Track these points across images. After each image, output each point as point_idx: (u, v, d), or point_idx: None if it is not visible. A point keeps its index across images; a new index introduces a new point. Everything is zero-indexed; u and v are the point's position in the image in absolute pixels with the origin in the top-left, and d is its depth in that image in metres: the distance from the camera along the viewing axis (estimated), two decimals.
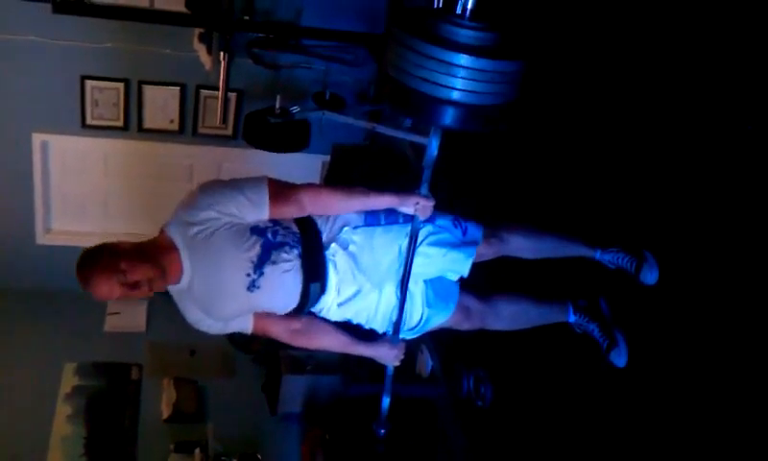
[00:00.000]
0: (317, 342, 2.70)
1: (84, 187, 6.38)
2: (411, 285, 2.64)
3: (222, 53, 4.68)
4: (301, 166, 6.40)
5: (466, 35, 2.14)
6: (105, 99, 5.90)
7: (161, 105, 6.01)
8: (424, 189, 2.49)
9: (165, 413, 5.60)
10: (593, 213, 3.40)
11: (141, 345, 6.19)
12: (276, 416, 5.57)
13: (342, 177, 5.71)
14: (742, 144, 2.63)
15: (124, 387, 5.81)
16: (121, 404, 5.67)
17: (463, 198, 4.36)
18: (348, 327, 2.73)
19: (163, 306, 6.43)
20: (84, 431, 5.40)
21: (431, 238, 2.67)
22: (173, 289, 2.43)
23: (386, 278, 2.65)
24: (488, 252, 2.85)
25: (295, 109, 4.98)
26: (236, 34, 4.73)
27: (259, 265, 2.37)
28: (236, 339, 6.04)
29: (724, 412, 2.67)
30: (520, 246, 2.94)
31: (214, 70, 5.16)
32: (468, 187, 4.56)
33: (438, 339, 4.72)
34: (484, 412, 4.22)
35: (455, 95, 2.11)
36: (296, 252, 2.43)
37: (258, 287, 2.39)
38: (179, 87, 5.96)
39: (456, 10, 2.18)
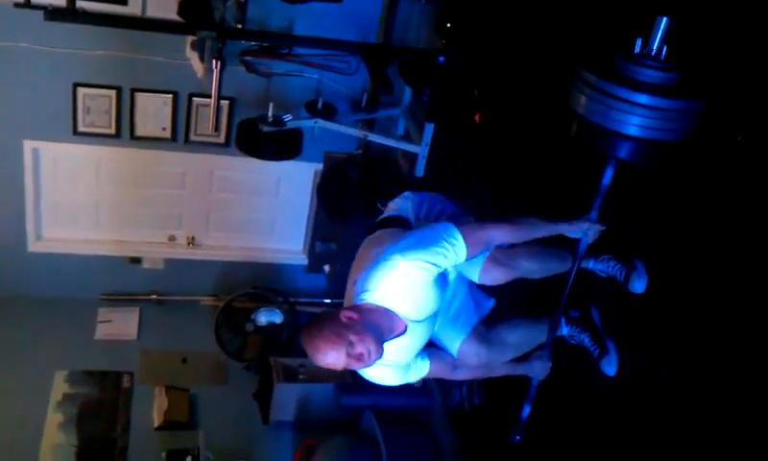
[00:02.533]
0: (483, 372, 3.01)
1: (75, 195, 6.35)
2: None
3: (214, 61, 4.68)
4: (294, 174, 6.42)
5: (647, 74, 2.37)
6: (97, 106, 5.89)
7: (154, 112, 5.99)
8: (594, 215, 2.70)
9: (157, 421, 5.57)
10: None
11: (133, 353, 6.15)
12: (269, 424, 5.55)
13: (334, 185, 5.71)
14: (732, 155, 2.65)
15: (115, 395, 5.78)
16: (112, 412, 5.64)
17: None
18: None
19: (155, 314, 6.42)
20: (74, 439, 5.37)
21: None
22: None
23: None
24: (502, 276, 2.84)
25: (287, 117, 4.98)
26: (229, 42, 4.73)
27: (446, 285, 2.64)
28: (228, 346, 6.03)
29: (714, 419, 2.68)
30: (530, 269, 2.95)
31: (207, 78, 5.16)
32: (463, 192, 4.56)
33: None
34: (476, 420, 4.22)
35: (633, 130, 2.34)
36: None
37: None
38: (171, 95, 5.95)
39: (639, 50, 2.41)
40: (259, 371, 5.83)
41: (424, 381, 5.07)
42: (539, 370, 3.02)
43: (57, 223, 6.44)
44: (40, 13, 4.29)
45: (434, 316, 2.56)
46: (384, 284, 2.36)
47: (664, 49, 2.38)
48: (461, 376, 2.93)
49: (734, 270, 2.62)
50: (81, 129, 5.93)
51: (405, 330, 2.45)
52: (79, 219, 6.48)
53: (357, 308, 2.39)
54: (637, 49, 2.41)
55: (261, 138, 4.94)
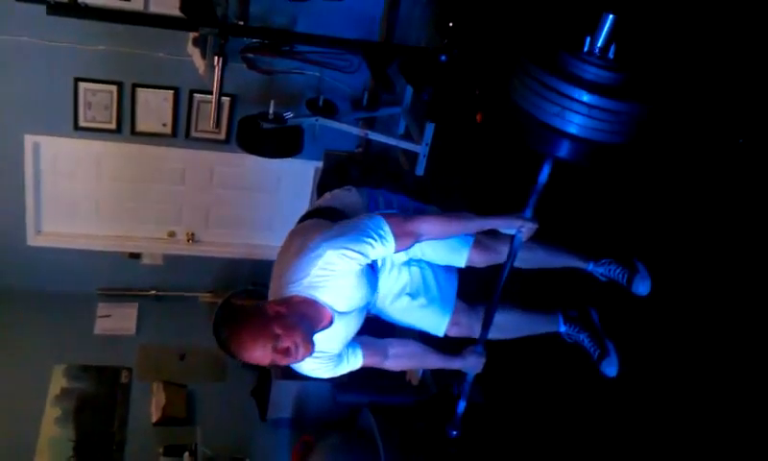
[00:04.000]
0: (414, 362, 2.96)
1: (75, 189, 6.36)
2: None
3: (216, 57, 4.68)
4: (294, 172, 6.42)
5: (594, 73, 2.23)
6: (98, 101, 5.89)
7: (154, 108, 6.00)
8: (529, 213, 2.60)
9: (154, 417, 5.58)
10: (586, 225, 3.41)
11: (131, 348, 6.16)
12: (266, 421, 5.56)
13: (334, 183, 5.70)
14: (734, 157, 2.65)
15: (113, 390, 5.78)
16: (110, 407, 5.64)
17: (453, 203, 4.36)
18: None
19: (154, 310, 6.42)
20: (72, 434, 5.38)
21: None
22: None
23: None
24: (480, 259, 2.87)
25: (288, 114, 4.98)
26: (231, 38, 4.73)
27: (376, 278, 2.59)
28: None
29: (714, 421, 2.69)
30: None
31: (208, 74, 5.16)
32: (459, 197, 4.57)
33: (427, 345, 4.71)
34: (474, 417, 4.22)
35: (574, 129, 2.22)
36: None
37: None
38: (172, 91, 5.95)
39: (585, 47, 2.28)
40: (257, 368, 5.83)
41: (423, 379, 5.06)
42: (473, 364, 2.88)
43: (56, 217, 6.44)
44: (42, 8, 4.28)
45: (363, 308, 2.52)
46: (311, 274, 2.32)
47: (612, 48, 2.26)
48: (392, 365, 2.80)
49: (739, 271, 2.63)
50: (81, 123, 5.93)
51: (332, 322, 2.40)
52: (79, 214, 6.48)
53: (285, 301, 2.33)
54: (586, 47, 2.28)
55: (262, 135, 4.94)
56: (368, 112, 5.57)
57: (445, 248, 2.79)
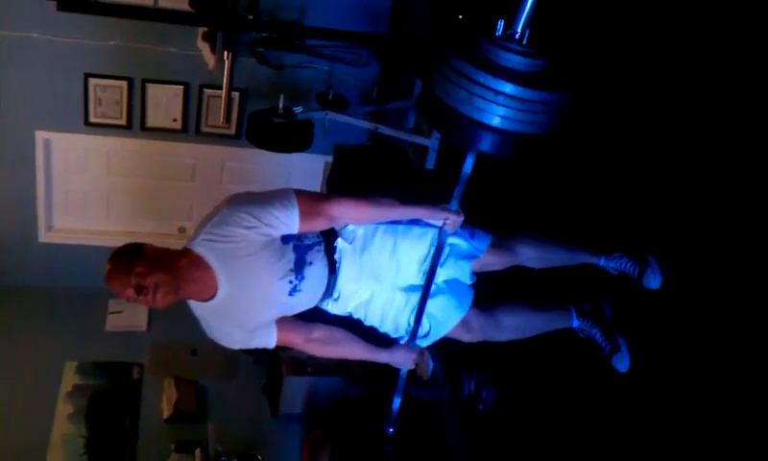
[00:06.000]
0: (336, 351, 2.73)
1: (86, 186, 6.37)
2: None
3: (225, 52, 4.68)
4: (304, 166, 6.40)
5: (513, 61, 2.12)
6: (108, 97, 5.90)
7: (164, 103, 6.00)
8: (454, 205, 2.53)
9: (166, 413, 5.59)
10: (596, 219, 3.39)
11: (142, 344, 6.18)
12: (277, 417, 5.56)
13: (345, 178, 5.70)
14: (746, 150, 2.62)
15: (125, 386, 5.80)
16: (122, 404, 5.66)
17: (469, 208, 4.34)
18: (360, 330, 2.76)
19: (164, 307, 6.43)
20: (84, 430, 5.39)
21: (457, 250, 2.74)
22: (198, 306, 2.44)
23: (396, 279, 2.67)
24: (498, 262, 2.85)
25: (298, 108, 4.97)
26: (240, 33, 4.73)
27: (298, 270, 2.42)
28: None
29: (726, 415, 2.66)
30: (530, 256, 2.94)
31: (218, 69, 5.16)
32: (474, 197, 4.54)
33: (439, 342, 4.70)
34: (485, 415, 4.20)
35: (496, 121, 2.10)
36: (322, 249, 2.51)
37: (300, 290, 2.45)
38: (182, 86, 5.95)
39: (508, 35, 2.15)
40: (268, 364, 5.84)
41: (434, 374, 5.04)
42: (401, 359, 2.79)
43: (67, 214, 6.46)
44: (52, 4, 4.29)
45: (290, 298, 2.43)
46: (206, 230, 2.32)
47: (527, 33, 2.14)
48: (315, 350, 2.67)
49: (751, 265, 2.60)
50: (92, 119, 5.94)
51: (216, 293, 2.35)
52: (89, 210, 6.49)
53: (177, 251, 2.36)
54: (499, 31, 2.16)
55: (272, 130, 4.93)
56: (377, 106, 5.55)
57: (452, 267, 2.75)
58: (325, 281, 2.55)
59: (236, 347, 2.55)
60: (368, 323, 2.77)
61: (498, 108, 2.07)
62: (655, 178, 3.05)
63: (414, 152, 5.70)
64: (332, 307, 2.69)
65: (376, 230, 2.63)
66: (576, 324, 3.11)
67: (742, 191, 2.65)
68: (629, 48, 3.24)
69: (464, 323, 2.83)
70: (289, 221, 2.34)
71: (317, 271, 2.50)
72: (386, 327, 2.78)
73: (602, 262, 2.99)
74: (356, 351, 2.74)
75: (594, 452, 3.34)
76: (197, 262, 2.34)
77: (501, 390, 4.11)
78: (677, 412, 2.88)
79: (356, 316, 2.75)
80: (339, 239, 2.59)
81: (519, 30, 2.14)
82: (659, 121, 3.04)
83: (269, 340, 2.53)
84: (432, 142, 5.08)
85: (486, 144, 2.17)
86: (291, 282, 2.42)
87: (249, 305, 2.42)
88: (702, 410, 2.77)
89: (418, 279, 2.68)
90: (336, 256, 2.58)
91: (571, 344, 3.17)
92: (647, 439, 3.01)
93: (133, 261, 2.25)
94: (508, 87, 2.05)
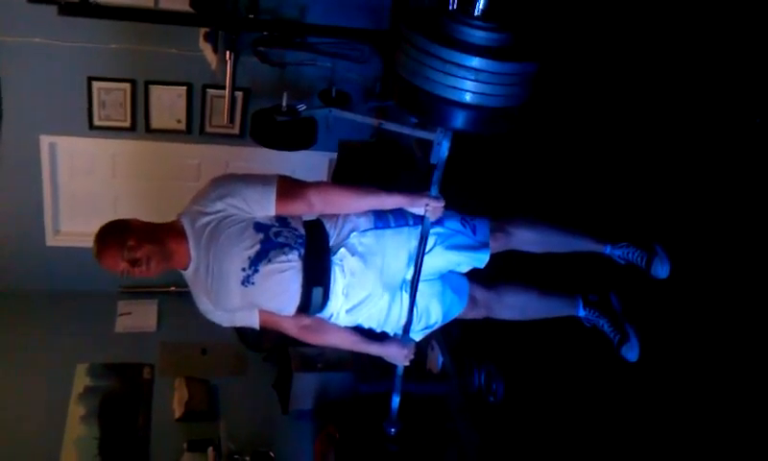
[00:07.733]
0: (326, 339, 2.74)
1: (92, 188, 6.39)
2: (426, 286, 2.67)
3: (228, 52, 4.68)
4: (309, 164, 6.40)
5: (478, 36, 2.11)
6: (112, 100, 5.91)
7: (168, 105, 6.01)
8: (434, 191, 2.51)
9: (177, 412, 5.61)
10: (603, 208, 3.38)
11: (152, 345, 6.20)
12: (288, 413, 5.57)
13: (349, 174, 5.70)
14: (751, 137, 2.62)
15: (136, 387, 5.82)
16: (134, 404, 5.68)
17: (468, 195, 4.34)
18: (360, 330, 2.75)
19: (174, 306, 6.45)
20: (97, 432, 5.42)
21: (448, 242, 2.70)
22: (185, 274, 2.51)
23: (397, 280, 2.66)
24: (494, 245, 2.85)
25: (301, 106, 4.96)
26: (242, 32, 4.73)
27: (255, 262, 2.41)
28: (247, 337, 6.05)
29: (736, 406, 2.66)
30: (526, 239, 2.94)
31: (220, 69, 5.16)
32: (475, 185, 4.54)
33: (448, 334, 4.71)
34: (495, 407, 4.21)
35: (467, 97, 2.09)
36: (296, 254, 2.44)
37: (252, 283, 2.43)
38: (185, 87, 5.96)
39: (469, 11, 2.15)
40: (278, 361, 5.85)
41: (443, 368, 5.05)
42: (393, 354, 2.77)
43: (74, 217, 6.48)
44: (54, 9, 4.29)
45: (223, 272, 2.42)
46: (193, 200, 2.44)
47: (482, 5, 2.15)
48: (301, 335, 2.66)
49: (759, 253, 2.60)
50: (96, 123, 5.96)
51: (187, 266, 2.45)
52: (96, 212, 6.46)
53: (164, 223, 2.45)
54: (452, 5, 2.17)
55: (276, 128, 4.91)
56: (381, 102, 5.55)
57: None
58: (295, 291, 2.46)
59: (222, 323, 2.59)
60: (380, 330, 2.78)
61: (466, 82, 2.07)
62: (661, 165, 3.05)
63: (418, 147, 5.70)
64: (339, 320, 2.66)
65: (384, 236, 2.62)
66: (582, 313, 3.11)
67: (750, 178, 2.65)
68: (633, 36, 3.23)
69: (470, 299, 2.87)
70: (264, 200, 2.39)
71: (277, 274, 2.42)
72: (386, 327, 2.77)
73: (608, 250, 2.99)
74: (347, 341, 2.76)
75: (606, 443, 3.35)
76: (176, 233, 2.43)
77: (511, 382, 4.12)
78: (689, 402, 2.88)
79: (367, 325, 2.72)
80: (341, 249, 2.54)
81: (481, 6, 2.15)
82: (665, 108, 3.04)
83: (251, 321, 2.58)
84: (437, 136, 5.06)
85: (458, 121, 2.18)
86: (244, 271, 2.41)
87: (214, 283, 2.45)
88: (712, 399, 2.77)
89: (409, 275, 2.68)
90: (333, 267, 2.53)
91: (580, 334, 3.18)
92: (658, 429, 3.01)
93: (124, 236, 2.33)
94: (474, 61, 2.05)
